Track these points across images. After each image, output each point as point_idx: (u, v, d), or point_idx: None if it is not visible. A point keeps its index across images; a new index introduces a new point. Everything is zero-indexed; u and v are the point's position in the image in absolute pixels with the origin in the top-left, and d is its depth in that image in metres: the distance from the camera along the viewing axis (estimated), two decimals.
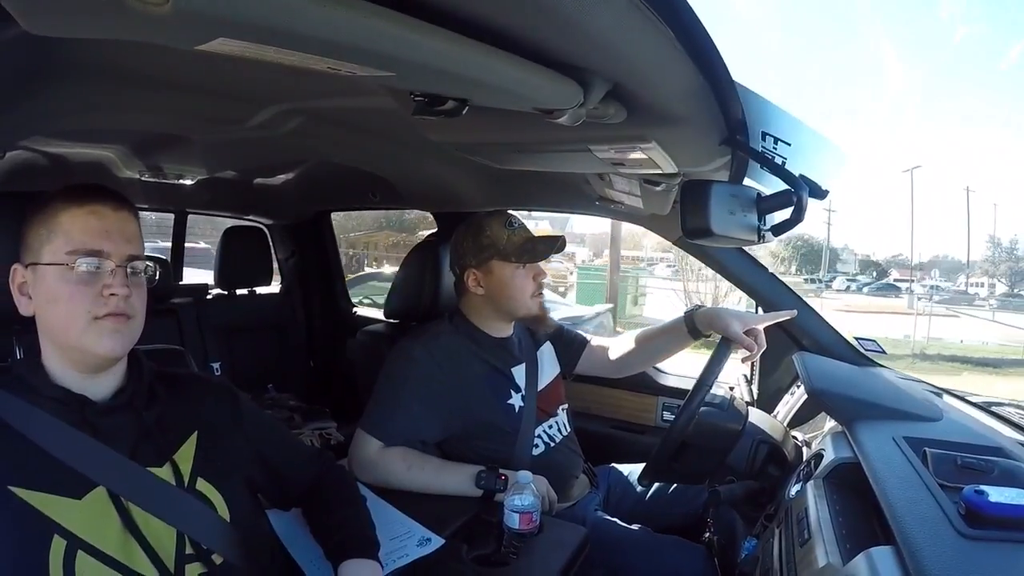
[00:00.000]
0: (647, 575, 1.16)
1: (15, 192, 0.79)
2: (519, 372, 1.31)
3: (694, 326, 1.30)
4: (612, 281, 9.56)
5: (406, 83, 0.69)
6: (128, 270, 0.70)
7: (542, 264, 1.30)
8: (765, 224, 0.89)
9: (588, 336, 1.52)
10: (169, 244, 2.44)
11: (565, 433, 1.36)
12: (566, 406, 1.41)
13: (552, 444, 1.31)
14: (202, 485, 0.74)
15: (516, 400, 1.27)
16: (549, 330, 1.39)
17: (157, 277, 0.75)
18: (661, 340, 1.39)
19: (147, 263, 0.73)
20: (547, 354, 1.42)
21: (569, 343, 1.49)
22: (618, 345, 1.47)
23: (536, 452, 1.27)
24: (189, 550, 0.70)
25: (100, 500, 0.67)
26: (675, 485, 1.39)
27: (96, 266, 0.68)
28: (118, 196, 0.72)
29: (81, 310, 0.67)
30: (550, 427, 1.33)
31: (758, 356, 1.24)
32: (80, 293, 0.67)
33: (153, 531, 0.69)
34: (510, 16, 0.53)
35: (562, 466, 1.32)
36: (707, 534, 1.22)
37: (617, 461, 1.51)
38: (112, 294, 0.68)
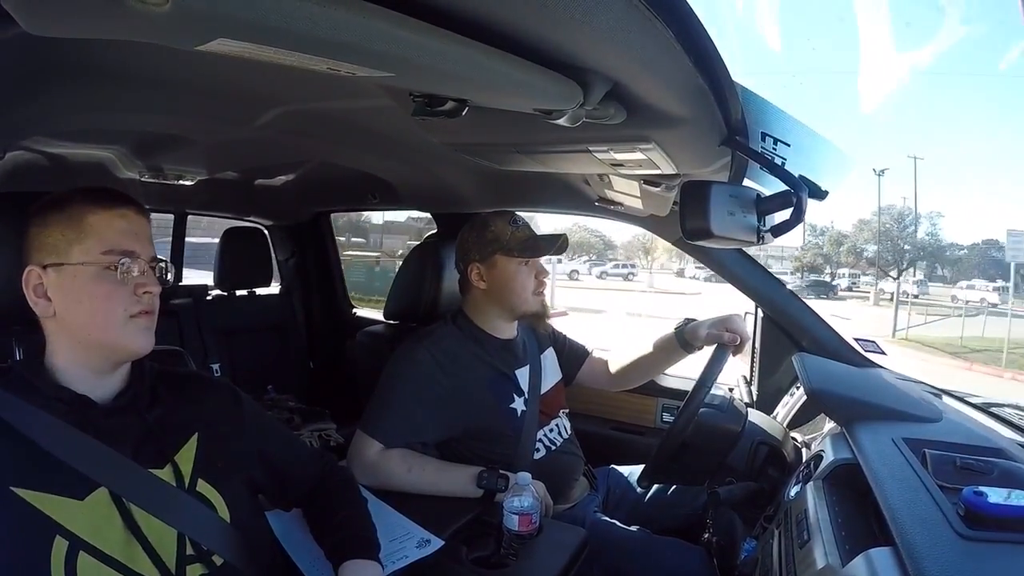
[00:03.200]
0: None
1: (16, 192, 0.79)
2: (523, 374, 1.32)
3: (685, 340, 1.34)
4: None
5: (405, 83, 0.69)
6: (154, 270, 0.74)
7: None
8: (765, 225, 0.89)
9: (590, 348, 1.54)
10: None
11: (566, 436, 1.37)
12: (567, 411, 1.42)
13: (553, 448, 1.31)
14: (202, 486, 0.74)
15: (519, 404, 1.27)
16: (548, 329, 1.41)
17: (170, 278, 0.78)
18: (657, 355, 1.42)
19: (164, 263, 0.76)
20: (549, 359, 1.43)
21: (571, 352, 1.51)
22: (617, 359, 1.49)
23: (537, 456, 1.27)
24: (190, 551, 0.71)
25: (102, 501, 0.67)
26: (674, 486, 1.39)
27: (131, 266, 0.71)
28: (136, 201, 0.75)
29: (119, 308, 0.70)
30: (551, 430, 1.33)
31: (747, 347, 1.31)
32: (117, 292, 0.70)
33: (155, 532, 0.69)
34: (510, 16, 0.54)
35: (563, 469, 1.32)
36: (706, 535, 1.22)
37: (616, 462, 1.51)
38: (146, 292, 0.72)
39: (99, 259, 0.70)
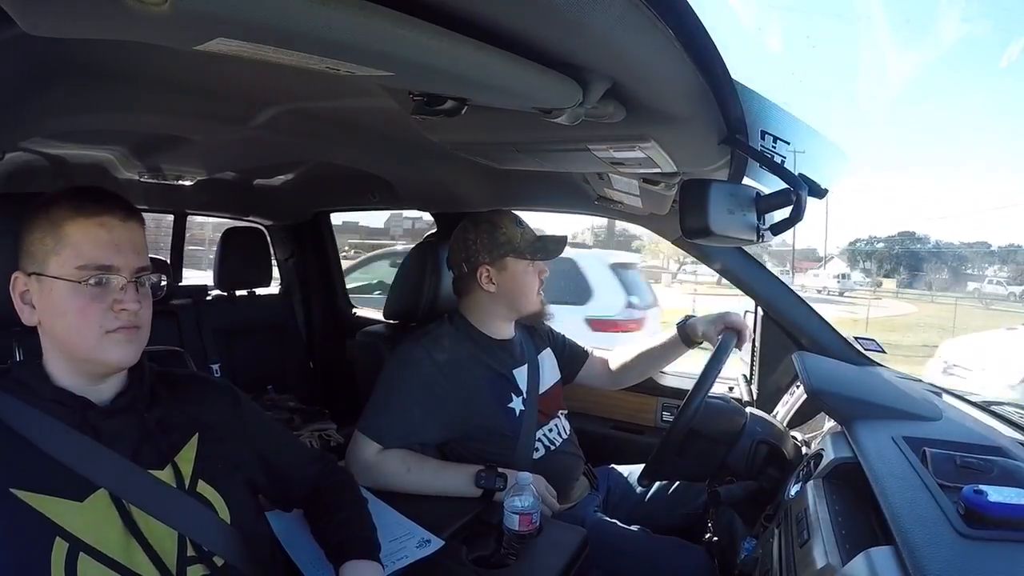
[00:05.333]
0: None
1: (15, 194, 0.79)
2: (520, 374, 1.31)
3: (687, 335, 1.37)
4: None
5: (405, 83, 0.69)
6: (137, 284, 0.70)
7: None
8: (764, 223, 0.89)
9: (589, 348, 1.55)
10: None
11: (565, 436, 1.37)
12: (565, 411, 1.42)
13: (552, 447, 1.31)
14: (202, 487, 0.74)
15: (517, 404, 1.27)
16: (546, 321, 1.41)
17: (163, 286, 0.75)
18: (658, 352, 1.44)
19: (154, 275, 0.73)
20: (547, 359, 1.43)
21: (571, 353, 1.51)
22: (616, 358, 1.50)
23: (536, 456, 1.27)
24: (190, 552, 0.70)
25: (102, 502, 0.67)
26: (674, 486, 1.39)
27: (107, 282, 0.68)
28: (125, 204, 0.71)
29: (93, 324, 0.67)
30: (550, 430, 1.33)
31: (747, 341, 1.36)
32: (91, 308, 0.67)
33: (155, 533, 0.69)
34: (509, 15, 0.53)
35: (562, 469, 1.32)
36: (707, 535, 1.22)
37: (616, 462, 1.52)
38: (124, 309, 0.68)
39: (72, 274, 0.66)
